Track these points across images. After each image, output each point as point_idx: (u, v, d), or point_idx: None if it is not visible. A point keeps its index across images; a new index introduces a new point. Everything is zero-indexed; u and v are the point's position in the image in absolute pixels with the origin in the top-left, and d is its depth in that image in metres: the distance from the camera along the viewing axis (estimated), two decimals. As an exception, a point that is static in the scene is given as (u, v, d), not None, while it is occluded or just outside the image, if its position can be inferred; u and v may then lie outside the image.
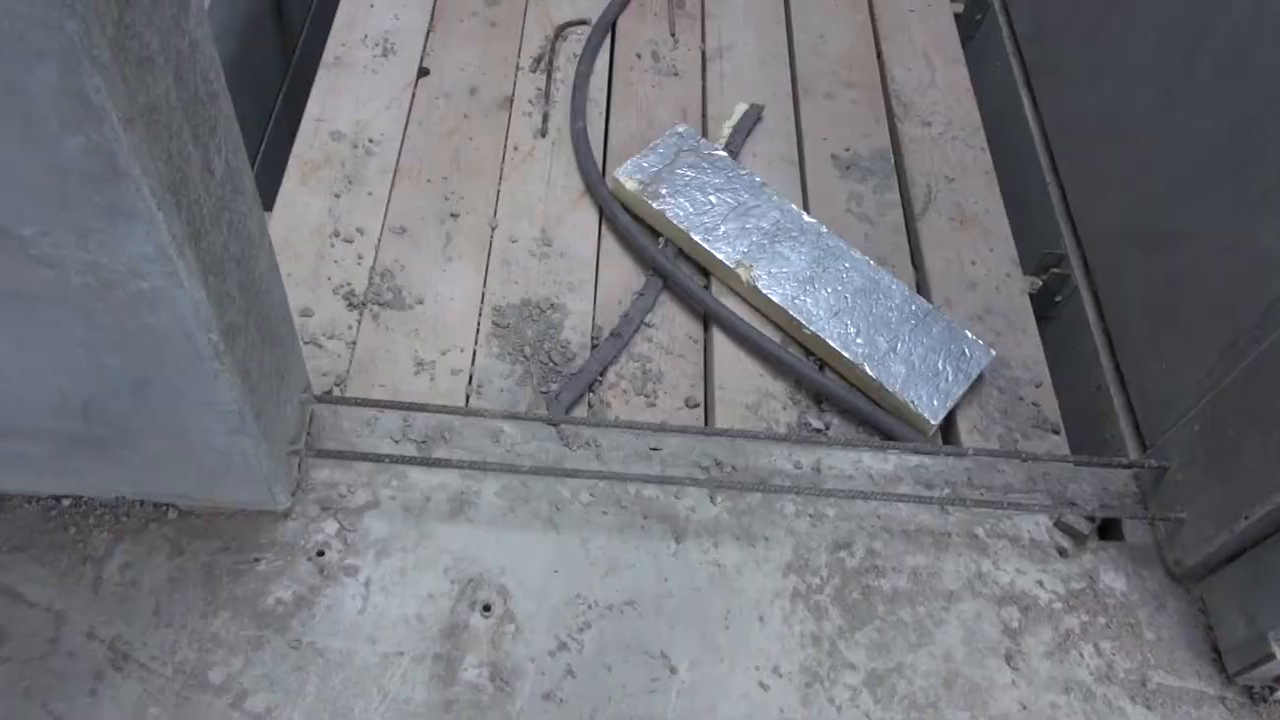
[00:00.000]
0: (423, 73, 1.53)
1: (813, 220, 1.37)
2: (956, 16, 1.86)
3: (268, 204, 1.27)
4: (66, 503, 1.01)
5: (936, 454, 1.17)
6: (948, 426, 1.25)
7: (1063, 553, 1.11)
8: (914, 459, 1.16)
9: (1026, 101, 1.73)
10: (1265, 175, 1.11)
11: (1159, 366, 1.25)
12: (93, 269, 0.72)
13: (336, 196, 1.34)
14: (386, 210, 1.34)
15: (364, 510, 1.04)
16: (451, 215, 1.35)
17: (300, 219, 1.31)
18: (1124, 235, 1.39)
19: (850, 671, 1.00)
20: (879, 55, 1.72)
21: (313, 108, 1.44)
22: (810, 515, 1.10)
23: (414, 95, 1.49)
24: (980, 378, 1.27)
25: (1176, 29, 1.32)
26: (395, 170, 1.39)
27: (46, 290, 0.74)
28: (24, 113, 0.61)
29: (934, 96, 1.66)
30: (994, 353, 1.28)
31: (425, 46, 1.56)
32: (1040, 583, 1.08)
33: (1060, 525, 1.13)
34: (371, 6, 1.59)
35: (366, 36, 1.55)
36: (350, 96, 1.46)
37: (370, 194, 1.35)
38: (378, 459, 1.06)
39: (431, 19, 1.61)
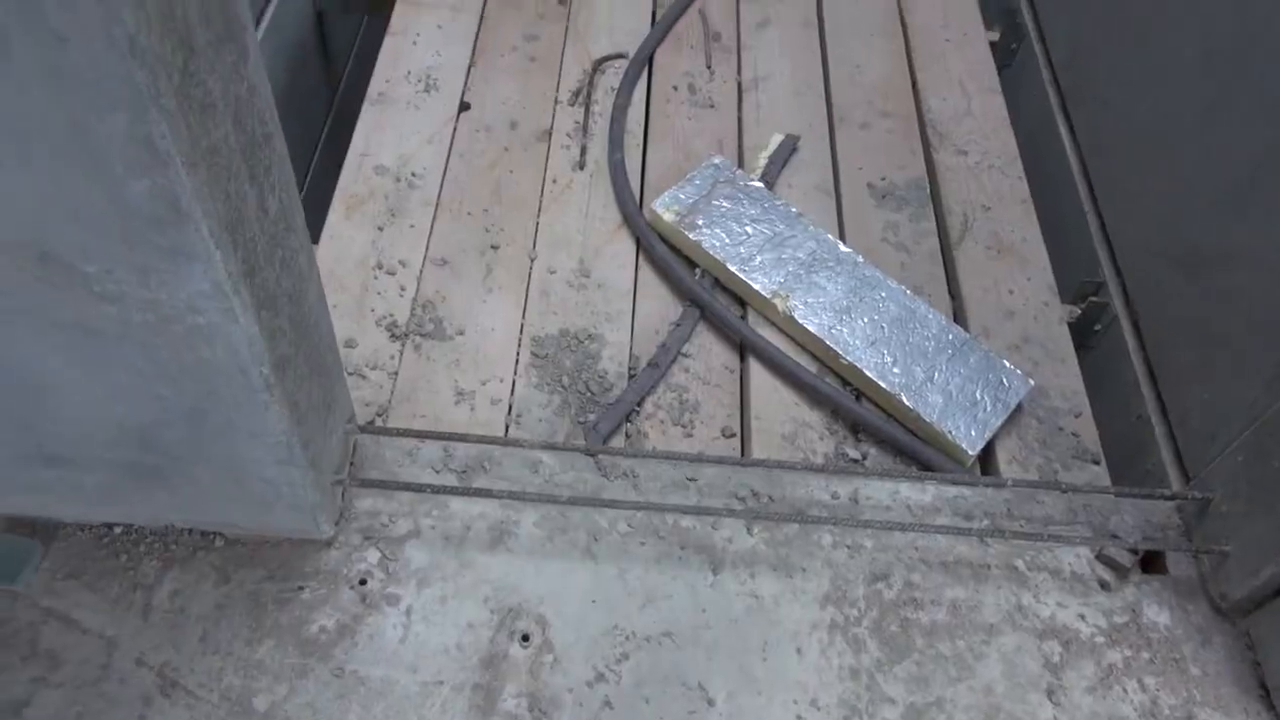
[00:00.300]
0: (464, 107, 1.56)
1: (849, 250, 1.38)
2: (992, 45, 1.87)
3: (314, 237, 1.30)
4: (118, 530, 1.03)
5: (975, 485, 1.17)
6: (986, 457, 1.25)
7: (1105, 586, 1.10)
8: (952, 490, 1.16)
9: (1063, 128, 1.73)
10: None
11: (1201, 396, 1.23)
12: (152, 305, 0.75)
13: (380, 229, 1.37)
14: (428, 243, 1.37)
15: (405, 539, 1.06)
16: (492, 247, 1.37)
17: (345, 251, 1.34)
18: (1164, 261, 1.38)
19: (889, 705, 1.00)
20: (914, 85, 1.73)
21: (357, 142, 1.48)
22: (848, 546, 1.10)
23: (455, 129, 1.52)
24: (1019, 408, 1.26)
25: (1215, 49, 1.32)
26: (437, 203, 1.42)
27: (109, 325, 0.76)
28: (93, 158, 0.63)
29: (970, 125, 1.66)
30: (1032, 382, 1.27)
31: (466, 82, 1.60)
32: (1082, 616, 1.07)
33: (1102, 558, 1.12)
34: (414, 44, 1.63)
35: (410, 73, 1.59)
36: (394, 131, 1.49)
37: (413, 226, 1.38)
38: (419, 489, 1.07)
39: (473, 55, 1.64)
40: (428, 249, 1.36)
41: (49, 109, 0.60)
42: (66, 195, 0.66)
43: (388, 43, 1.64)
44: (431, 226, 1.39)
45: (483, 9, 1.73)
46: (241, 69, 0.72)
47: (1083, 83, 1.71)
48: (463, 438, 1.09)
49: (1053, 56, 1.83)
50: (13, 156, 0.62)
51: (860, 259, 1.37)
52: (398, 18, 1.69)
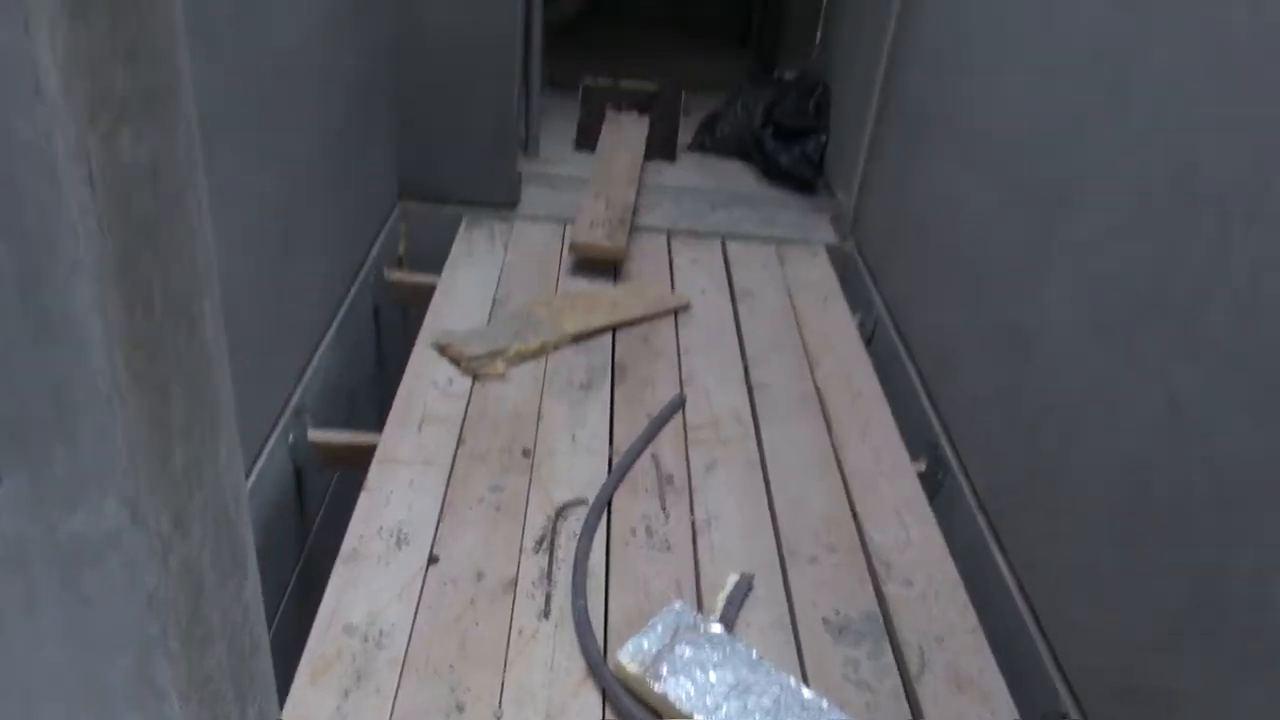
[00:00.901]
0: (432, 560, 1.63)
1: (812, 695, 1.40)
2: (920, 475, 2.05)
3: (279, 700, 1.29)
4: None
5: None
6: None
7: None
8: None
9: (998, 555, 1.84)
10: (1234, 635, 1.18)
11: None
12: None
13: (345, 694, 1.36)
14: (393, 708, 1.36)
15: None
16: (457, 708, 1.37)
17: (308, 722, 1.32)
18: (1116, 692, 1.41)
19: None
20: (855, 516, 1.86)
21: (329, 601, 1.52)
22: None
23: (424, 583, 1.58)
24: None
25: (1124, 475, 1.47)
26: (403, 663, 1.43)
27: None
28: (94, 697, 0.67)
29: (912, 555, 1.77)
30: (1015, 834, 1.24)
31: (436, 534, 1.69)
32: None
33: None
34: (388, 501, 1.74)
35: (382, 529, 1.68)
36: (364, 589, 1.55)
37: (378, 690, 1.38)
38: None
39: (442, 507, 1.75)
40: (392, 715, 1.35)
41: (61, 660, 0.65)
42: (60, 732, 0.69)
43: (363, 500, 1.75)
44: (396, 691, 1.38)
45: (452, 463, 1.87)
46: (241, 593, 0.78)
47: (1006, 512, 1.86)
48: None
49: (976, 486, 2.00)
50: (19, 700, 0.66)
51: (825, 704, 1.39)
52: (374, 474, 1.82)
